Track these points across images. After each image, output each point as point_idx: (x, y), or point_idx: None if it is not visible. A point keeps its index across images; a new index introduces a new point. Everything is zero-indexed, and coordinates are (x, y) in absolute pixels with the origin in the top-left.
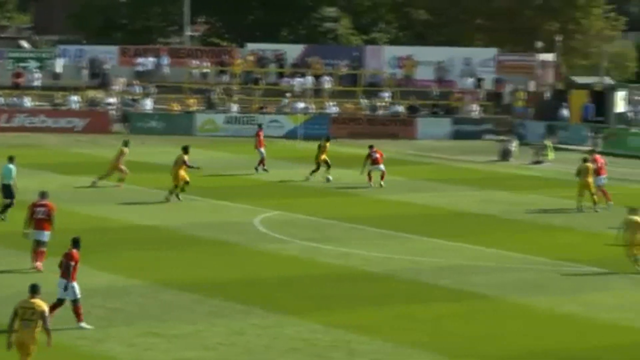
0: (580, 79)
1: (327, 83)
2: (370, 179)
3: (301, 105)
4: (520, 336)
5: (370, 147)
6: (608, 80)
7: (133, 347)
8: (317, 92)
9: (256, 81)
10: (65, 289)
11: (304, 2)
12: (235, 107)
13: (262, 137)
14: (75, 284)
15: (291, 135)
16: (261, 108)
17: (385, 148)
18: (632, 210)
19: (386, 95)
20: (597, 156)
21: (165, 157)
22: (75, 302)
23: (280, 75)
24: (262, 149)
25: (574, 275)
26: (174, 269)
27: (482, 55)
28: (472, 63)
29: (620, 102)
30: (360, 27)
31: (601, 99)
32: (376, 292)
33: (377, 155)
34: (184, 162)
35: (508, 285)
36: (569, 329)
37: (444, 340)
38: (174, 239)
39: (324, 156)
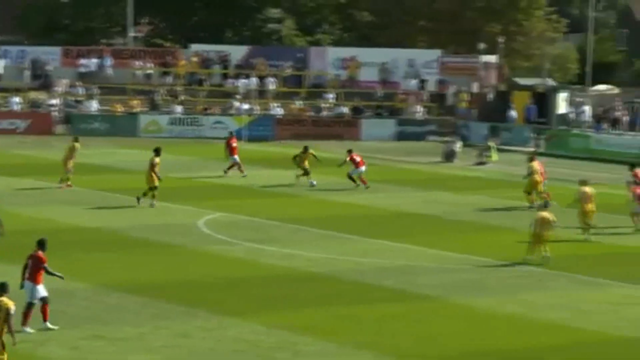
0: (523, 81)
1: (272, 84)
2: (355, 180)
3: (245, 106)
4: (462, 336)
5: (349, 151)
6: (550, 82)
7: (76, 350)
8: (262, 93)
9: (200, 82)
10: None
11: (248, 3)
12: (179, 109)
13: (234, 145)
14: (39, 287)
15: (235, 136)
16: (205, 109)
17: (329, 149)
18: (541, 207)
19: (330, 96)
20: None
21: (109, 159)
22: (29, 305)
23: (225, 76)
24: (236, 157)
25: (515, 275)
26: (118, 271)
27: (426, 57)
28: (416, 64)
29: (562, 104)
30: (304, 28)
31: (543, 101)
32: (320, 293)
33: (359, 159)
34: (152, 166)
35: (450, 286)
36: (510, 328)
37: (387, 340)
38: (118, 241)
39: (305, 163)
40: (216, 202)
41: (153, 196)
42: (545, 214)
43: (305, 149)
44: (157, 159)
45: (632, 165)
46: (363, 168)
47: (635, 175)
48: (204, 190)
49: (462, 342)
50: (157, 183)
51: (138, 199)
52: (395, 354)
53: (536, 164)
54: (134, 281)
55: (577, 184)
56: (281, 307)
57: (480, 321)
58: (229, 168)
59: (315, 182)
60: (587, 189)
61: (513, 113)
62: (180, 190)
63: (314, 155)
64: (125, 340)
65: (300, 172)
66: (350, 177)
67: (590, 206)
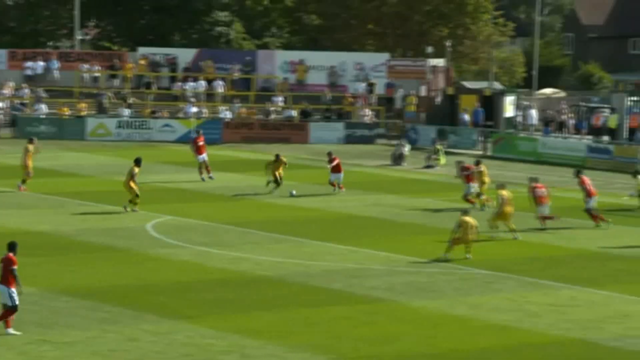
0: (470, 84)
1: (220, 87)
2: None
3: (194, 109)
4: (411, 338)
5: (329, 153)
6: (497, 85)
7: (23, 355)
8: (210, 96)
9: (148, 85)
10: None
11: (196, 6)
12: (127, 112)
13: (201, 144)
14: (14, 290)
15: (184, 139)
16: (153, 112)
17: (278, 152)
18: (464, 212)
19: (279, 99)
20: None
21: (55, 162)
22: (13, 308)
23: (173, 79)
24: (204, 156)
25: (464, 278)
26: (66, 275)
27: (374, 60)
28: (364, 68)
29: (509, 107)
30: (252, 31)
31: (490, 104)
32: (269, 296)
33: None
34: (132, 175)
35: (399, 288)
36: (459, 330)
37: (336, 343)
38: (66, 245)
39: (279, 171)
40: (165, 205)
41: (133, 203)
42: (469, 218)
43: (277, 157)
44: (136, 169)
45: (578, 171)
46: (341, 174)
47: (582, 182)
48: (152, 194)
49: (412, 345)
50: (137, 191)
51: (125, 206)
52: (344, 356)
53: (484, 167)
54: (82, 285)
55: (496, 188)
56: (230, 310)
57: (429, 323)
58: (207, 170)
59: (294, 192)
60: (505, 193)
61: (465, 116)
62: (128, 193)
63: (284, 163)
64: (73, 344)
65: (272, 179)
66: (334, 185)
67: (509, 209)
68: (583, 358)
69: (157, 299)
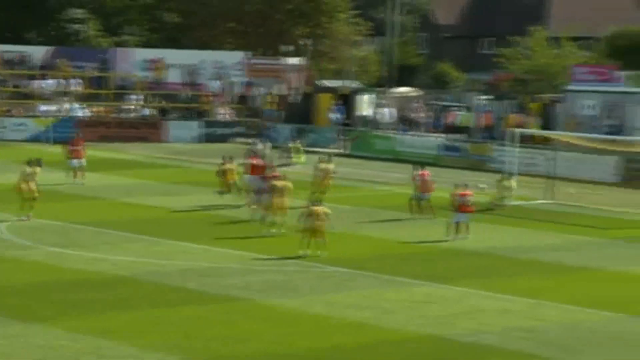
0: (330, 83)
1: (76, 86)
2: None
3: (49, 108)
4: (268, 337)
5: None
6: (355, 84)
7: None
8: (66, 94)
9: (1, 83)
10: None
11: (50, 3)
12: None
13: (77, 148)
14: None
15: (37, 138)
16: (8, 111)
17: (135, 152)
18: (316, 203)
19: (136, 98)
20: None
21: None
22: None
23: (27, 77)
24: (75, 161)
25: (320, 276)
26: None
27: (233, 59)
28: (223, 66)
29: (365, 106)
30: (109, 29)
31: (347, 102)
32: (123, 296)
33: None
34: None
35: (255, 287)
36: (316, 329)
37: (191, 342)
38: None
39: (233, 177)
40: (17, 205)
41: (30, 207)
42: (317, 208)
43: (230, 158)
44: (37, 169)
45: (422, 166)
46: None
47: (421, 176)
48: (4, 194)
49: (267, 344)
50: (36, 194)
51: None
52: (198, 356)
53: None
54: None
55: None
56: (85, 311)
57: (286, 322)
58: (75, 173)
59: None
60: (279, 184)
61: (332, 115)
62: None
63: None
64: None
65: (224, 190)
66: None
67: (279, 201)
68: (437, 354)
69: (8, 300)
